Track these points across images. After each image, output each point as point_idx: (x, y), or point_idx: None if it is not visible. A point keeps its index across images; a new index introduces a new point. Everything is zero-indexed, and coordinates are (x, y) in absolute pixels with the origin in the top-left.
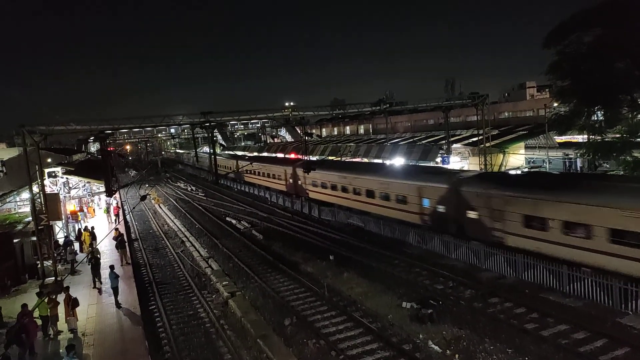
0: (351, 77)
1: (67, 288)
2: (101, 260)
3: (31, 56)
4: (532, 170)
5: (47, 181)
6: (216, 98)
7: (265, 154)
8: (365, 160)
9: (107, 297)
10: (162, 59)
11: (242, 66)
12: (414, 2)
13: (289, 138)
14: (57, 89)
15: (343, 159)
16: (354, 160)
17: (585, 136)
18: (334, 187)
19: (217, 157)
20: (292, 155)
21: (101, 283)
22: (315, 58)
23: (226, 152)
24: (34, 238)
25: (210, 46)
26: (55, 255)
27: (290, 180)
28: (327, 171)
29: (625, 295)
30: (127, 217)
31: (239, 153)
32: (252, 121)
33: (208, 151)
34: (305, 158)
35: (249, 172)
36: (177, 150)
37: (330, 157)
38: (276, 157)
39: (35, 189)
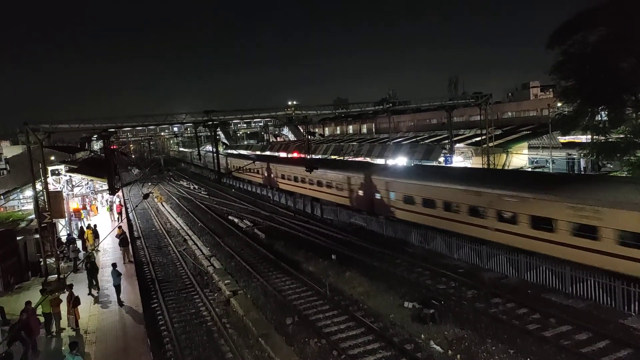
0: (354, 74)
1: (71, 286)
2: (103, 260)
3: (32, 52)
4: None
5: (50, 179)
6: (218, 94)
7: (320, 156)
8: (369, 160)
9: (109, 295)
10: (162, 54)
11: (243, 64)
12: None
13: (291, 137)
14: (58, 88)
15: (346, 158)
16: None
17: (589, 136)
18: (448, 207)
19: (231, 157)
20: (362, 159)
21: (98, 289)
22: (317, 55)
23: (237, 150)
24: (37, 235)
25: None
26: (58, 252)
27: (360, 192)
28: (435, 183)
29: (629, 296)
30: (130, 215)
31: (267, 153)
32: (254, 120)
33: (211, 150)
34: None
35: (284, 177)
36: (180, 149)
37: (333, 156)
38: (331, 159)
39: (39, 186)
